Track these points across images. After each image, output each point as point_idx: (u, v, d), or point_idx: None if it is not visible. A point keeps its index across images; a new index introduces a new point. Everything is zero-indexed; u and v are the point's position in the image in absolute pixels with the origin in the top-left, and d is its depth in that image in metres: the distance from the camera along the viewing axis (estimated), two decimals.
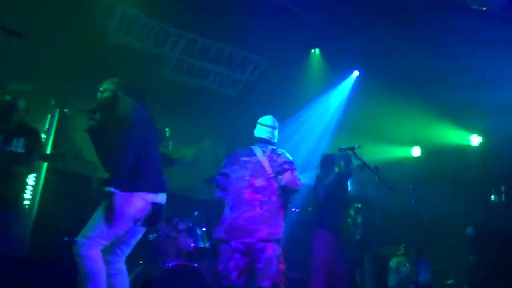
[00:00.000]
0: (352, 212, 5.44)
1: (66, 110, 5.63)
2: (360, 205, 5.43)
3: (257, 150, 3.79)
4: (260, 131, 3.89)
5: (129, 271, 4.52)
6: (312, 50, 6.94)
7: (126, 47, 6.06)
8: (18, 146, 4.21)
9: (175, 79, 6.68)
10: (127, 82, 3.22)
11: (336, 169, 4.44)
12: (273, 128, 3.92)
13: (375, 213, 5.15)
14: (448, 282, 6.41)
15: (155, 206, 3.02)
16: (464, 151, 7.53)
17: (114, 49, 5.96)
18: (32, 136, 4.38)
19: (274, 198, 3.63)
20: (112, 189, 2.77)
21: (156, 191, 3.03)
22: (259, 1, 5.62)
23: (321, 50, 6.89)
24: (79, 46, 5.67)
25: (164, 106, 6.61)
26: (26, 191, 4.94)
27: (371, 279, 5.57)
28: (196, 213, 5.18)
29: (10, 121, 4.26)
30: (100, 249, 2.87)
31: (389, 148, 7.72)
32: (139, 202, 2.93)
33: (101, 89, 3.21)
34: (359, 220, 5.46)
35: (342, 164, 4.47)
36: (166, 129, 5.32)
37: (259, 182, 3.63)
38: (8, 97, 4.31)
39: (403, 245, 6.23)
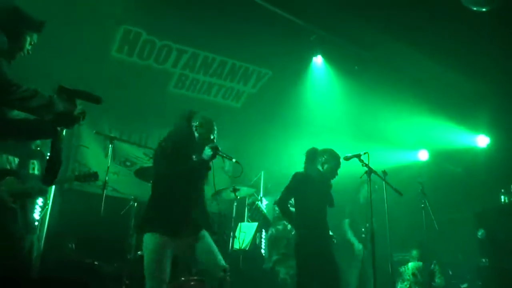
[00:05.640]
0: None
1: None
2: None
3: None
4: None
5: None
6: (314, 58, 6.95)
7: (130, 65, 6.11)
8: (34, 168, 4.07)
9: (178, 95, 6.71)
10: None
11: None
12: None
13: (384, 220, 5.09)
14: (462, 286, 6.34)
15: None
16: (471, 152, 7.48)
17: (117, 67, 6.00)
18: (43, 157, 4.24)
19: None
20: None
21: None
22: (258, 13, 5.65)
23: (323, 56, 6.90)
24: (84, 64, 5.72)
25: (169, 121, 6.62)
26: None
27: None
28: None
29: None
30: None
31: (396, 153, 7.67)
32: None
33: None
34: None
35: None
36: None
37: None
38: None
39: (416, 250, 6.12)
